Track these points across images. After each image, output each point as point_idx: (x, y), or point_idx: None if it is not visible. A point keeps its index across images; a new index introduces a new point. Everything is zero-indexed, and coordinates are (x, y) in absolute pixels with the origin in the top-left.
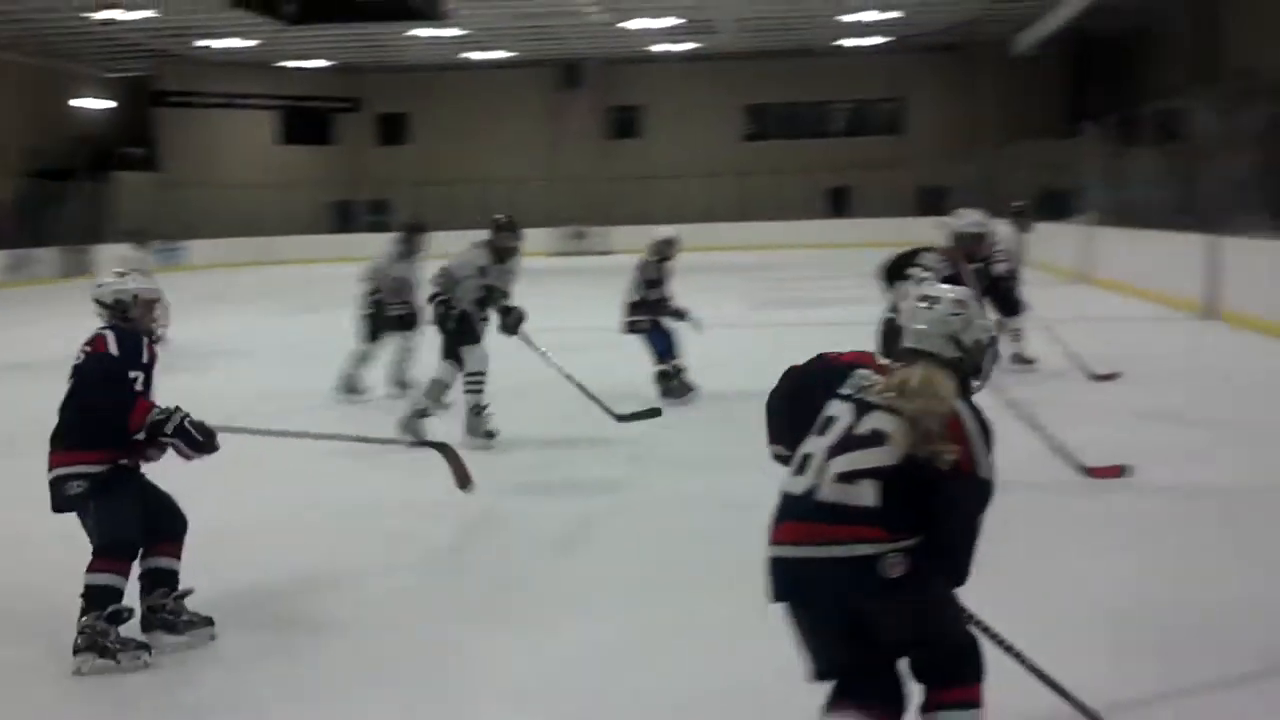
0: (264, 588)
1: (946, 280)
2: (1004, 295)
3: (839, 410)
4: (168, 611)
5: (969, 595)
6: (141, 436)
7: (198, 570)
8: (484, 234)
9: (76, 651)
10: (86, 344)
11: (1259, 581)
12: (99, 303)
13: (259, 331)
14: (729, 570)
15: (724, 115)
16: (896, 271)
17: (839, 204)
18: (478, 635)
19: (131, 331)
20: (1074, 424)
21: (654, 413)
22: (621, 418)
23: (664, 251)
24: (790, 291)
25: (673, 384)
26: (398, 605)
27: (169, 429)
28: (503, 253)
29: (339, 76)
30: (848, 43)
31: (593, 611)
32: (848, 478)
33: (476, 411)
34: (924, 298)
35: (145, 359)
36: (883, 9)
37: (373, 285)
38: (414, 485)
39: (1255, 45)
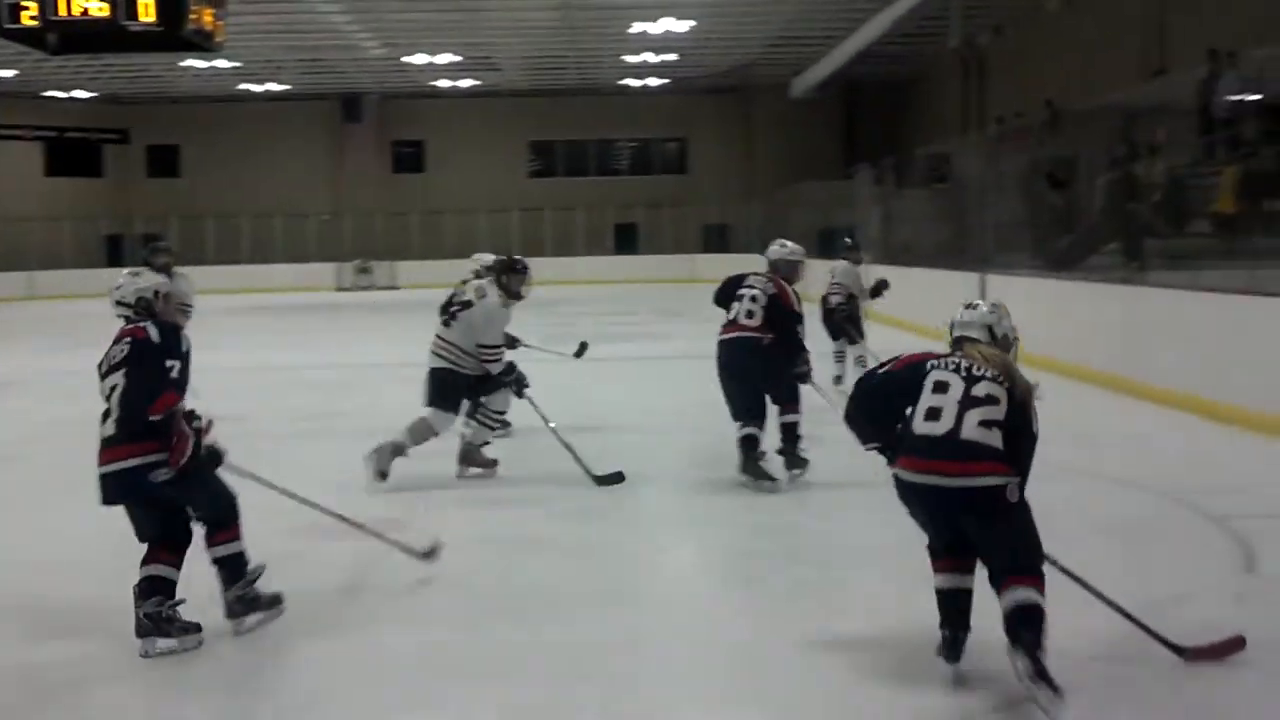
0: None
1: (770, 300)
2: (836, 323)
3: (949, 378)
4: (163, 619)
5: None
6: (157, 420)
7: None
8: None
9: (234, 615)
10: (125, 337)
11: None
12: (121, 304)
13: (29, 367)
14: (493, 605)
15: (508, 151)
16: (728, 293)
17: (626, 241)
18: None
19: (171, 325)
20: None
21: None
22: (599, 480)
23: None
24: (578, 327)
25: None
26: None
27: (191, 425)
28: (513, 297)
29: (107, 107)
30: (632, 83)
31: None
32: (986, 425)
33: (481, 445)
34: (968, 305)
35: (184, 348)
36: (660, 51)
37: None
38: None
39: (1017, 94)
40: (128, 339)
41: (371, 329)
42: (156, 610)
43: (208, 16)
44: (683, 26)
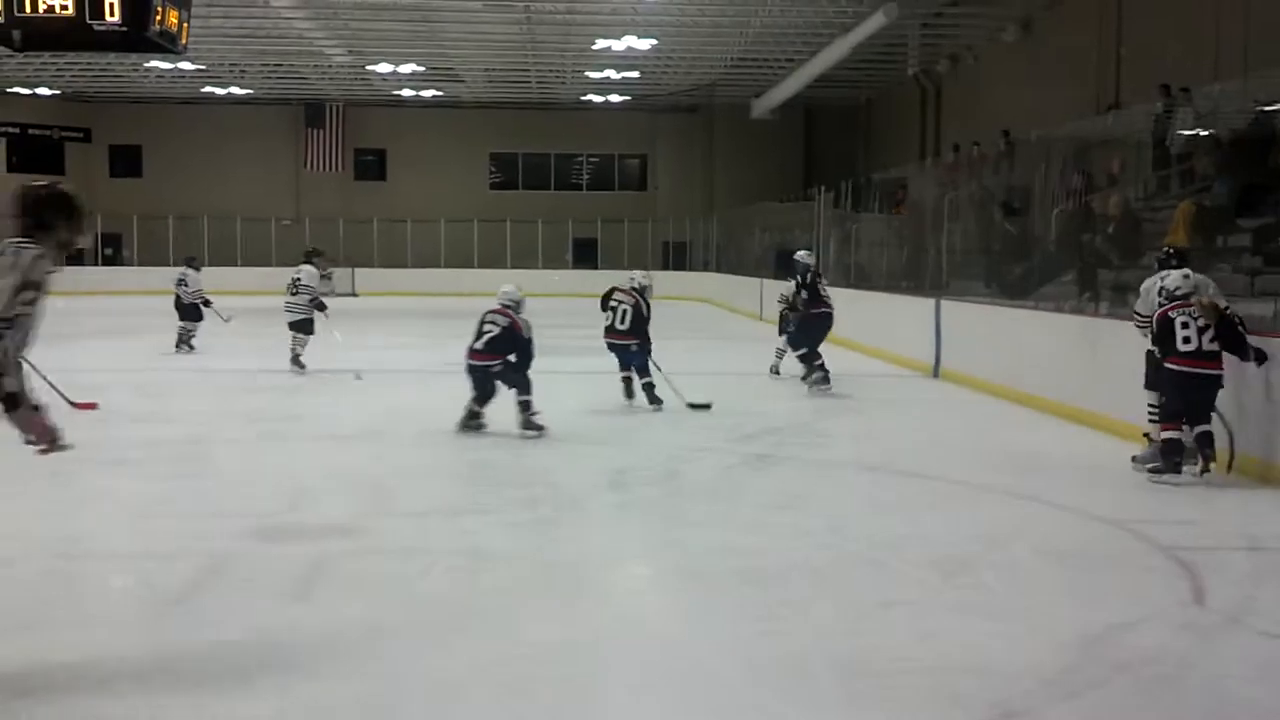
0: None
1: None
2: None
3: (1187, 319)
4: None
5: None
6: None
7: None
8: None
9: None
10: (502, 317)
11: None
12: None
13: None
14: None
15: (470, 163)
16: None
17: (586, 255)
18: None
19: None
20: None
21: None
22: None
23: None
24: (539, 339)
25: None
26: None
27: None
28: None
29: (69, 105)
30: (595, 99)
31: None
32: (1211, 341)
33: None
34: (1185, 275)
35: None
36: (622, 69)
37: None
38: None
39: (973, 123)
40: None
41: (326, 335)
42: None
43: (173, 18)
44: (645, 44)
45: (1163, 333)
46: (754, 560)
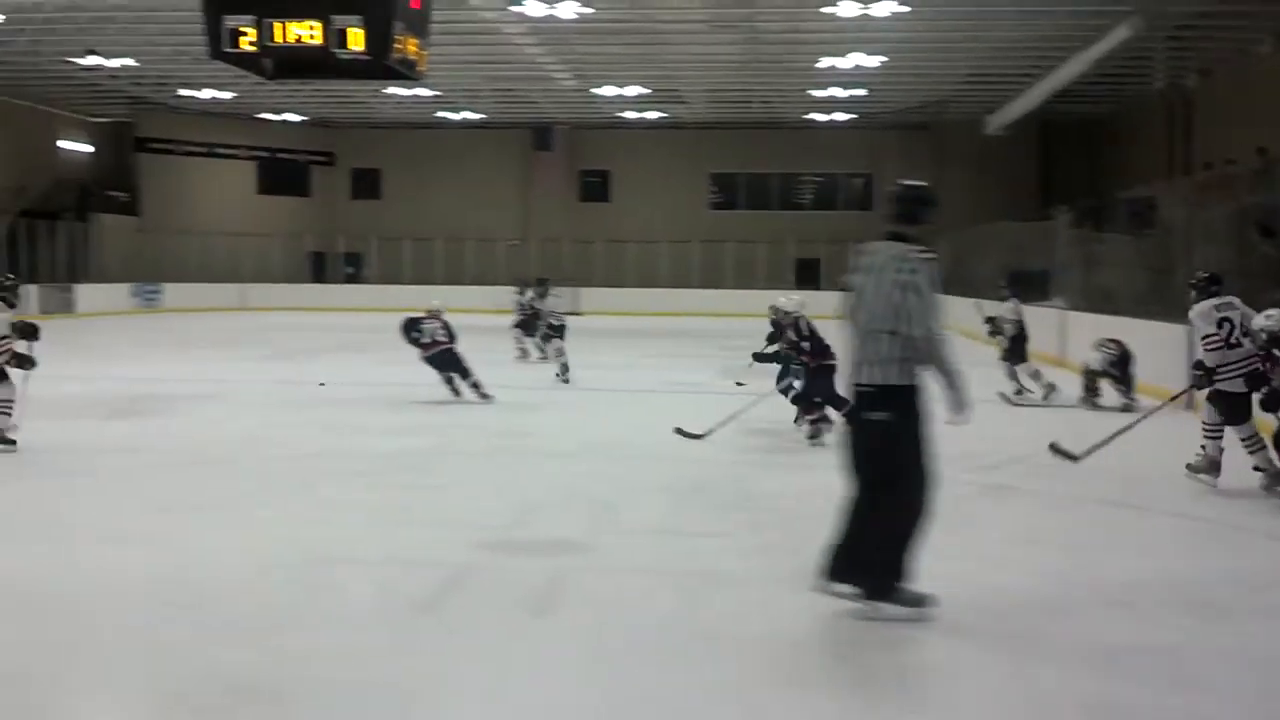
0: (212, 637)
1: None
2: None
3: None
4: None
5: None
6: None
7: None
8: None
9: None
10: None
11: None
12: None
13: (234, 376)
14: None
15: (691, 183)
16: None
17: (808, 276)
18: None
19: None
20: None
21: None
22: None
23: None
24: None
25: None
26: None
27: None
28: None
29: (315, 130)
30: (818, 117)
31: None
32: None
33: None
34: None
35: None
36: (849, 86)
37: None
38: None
39: (1225, 140)
40: None
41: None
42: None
43: (412, 46)
44: (873, 62)
45: None
46: (992, 595)
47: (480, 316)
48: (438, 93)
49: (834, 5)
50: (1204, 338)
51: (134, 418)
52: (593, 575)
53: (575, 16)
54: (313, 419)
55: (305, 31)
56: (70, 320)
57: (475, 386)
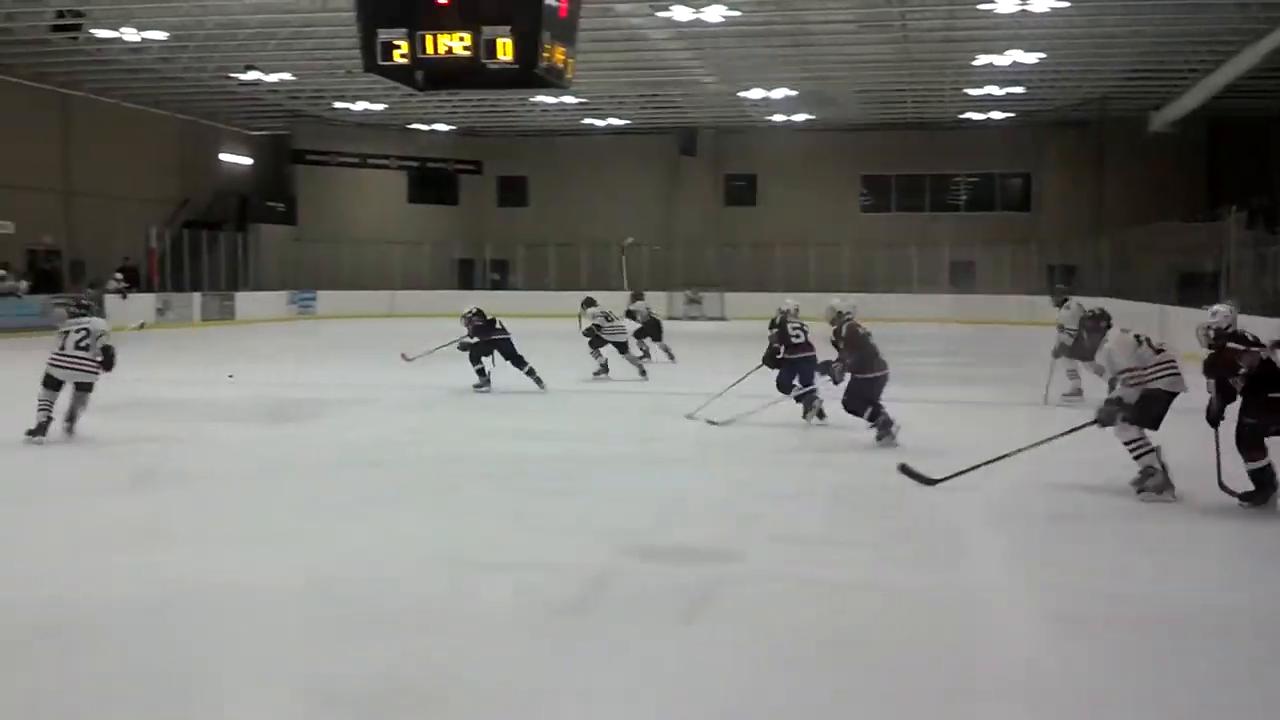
0: (369, 635)
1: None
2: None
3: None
4: None
5: None
6: None
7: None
8: None
9: None
10: None
11: None
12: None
13: (382, 380)
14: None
15: (841, 186)
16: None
17: (962, 279)
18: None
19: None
20: None
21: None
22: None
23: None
24: (909, 366)
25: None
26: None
27: None
28: None
29: (463, 139)
30: (974, 116)
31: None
32: None
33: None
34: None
35: None
36: (1005, 84)
37: None
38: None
39: None
40: None
41: (697, 359)
42: None
43: (559, 55)
44: (1031, 59)
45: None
46: (1138, 608)
47: (627, 322)
48: (584, 100)
49: (991, 2)
50: (1123, 371)
51: (287, 421)
52: (740, 583)
53: (722, 20)
54: (458, 423)
55: (455, 43)
56: (230, 327)
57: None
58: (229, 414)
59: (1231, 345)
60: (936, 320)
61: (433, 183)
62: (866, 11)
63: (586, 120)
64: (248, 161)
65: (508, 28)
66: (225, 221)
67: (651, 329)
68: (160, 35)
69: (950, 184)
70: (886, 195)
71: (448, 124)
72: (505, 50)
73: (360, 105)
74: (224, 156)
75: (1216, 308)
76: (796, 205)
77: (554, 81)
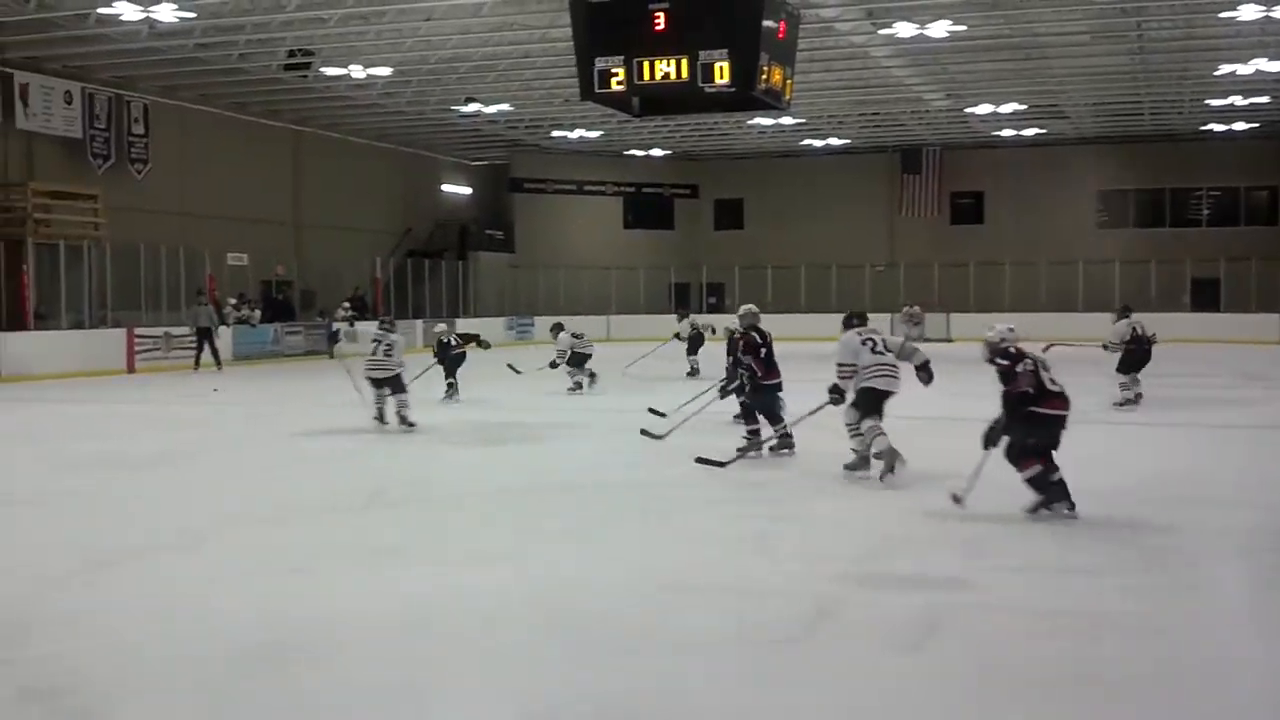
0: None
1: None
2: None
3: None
4: None
5: None
6: None
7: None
8: None
9: None
10: None
11: None
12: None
13: (598, 405)
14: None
15: (1073, 202)
16: None
17: (1206, 297)
18: None
19: None
20: None
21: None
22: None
23: None
24: (1153, 389)
25: None
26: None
27: None
28: None
29: (678, 164)
30: (1216, 128)
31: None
32: None
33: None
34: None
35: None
36: (1249, 94)
37: None
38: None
39: None
40: None
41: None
42: None
43: (777, 76)
44: (1276, 67)
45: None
46: None
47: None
48: (801, 120)
49: (1234, 9)
50: (840, 364)
51: (503, 445)
52: (967, 612)
53: (946, 35)
54: (673, 446)
55: (672, 68)
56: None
57: None
58: (453, 437)
59: (1000, 361)
60: (1179, 340)
61: (648, 208)
62: (1101, 22)
63: (805, 141)
64: (467, 191)
65: (725, 51)
66: (446, 250)
67: (695, 343)
68: (385, 71)
69: (1191, 198)
70: (1124, 211)
71: (663, 149)
72: (722, 73)
73: (577, 133)
74: (445, 187)
75: (996, 325)
76: (1026, 222)
77: (772, 103)
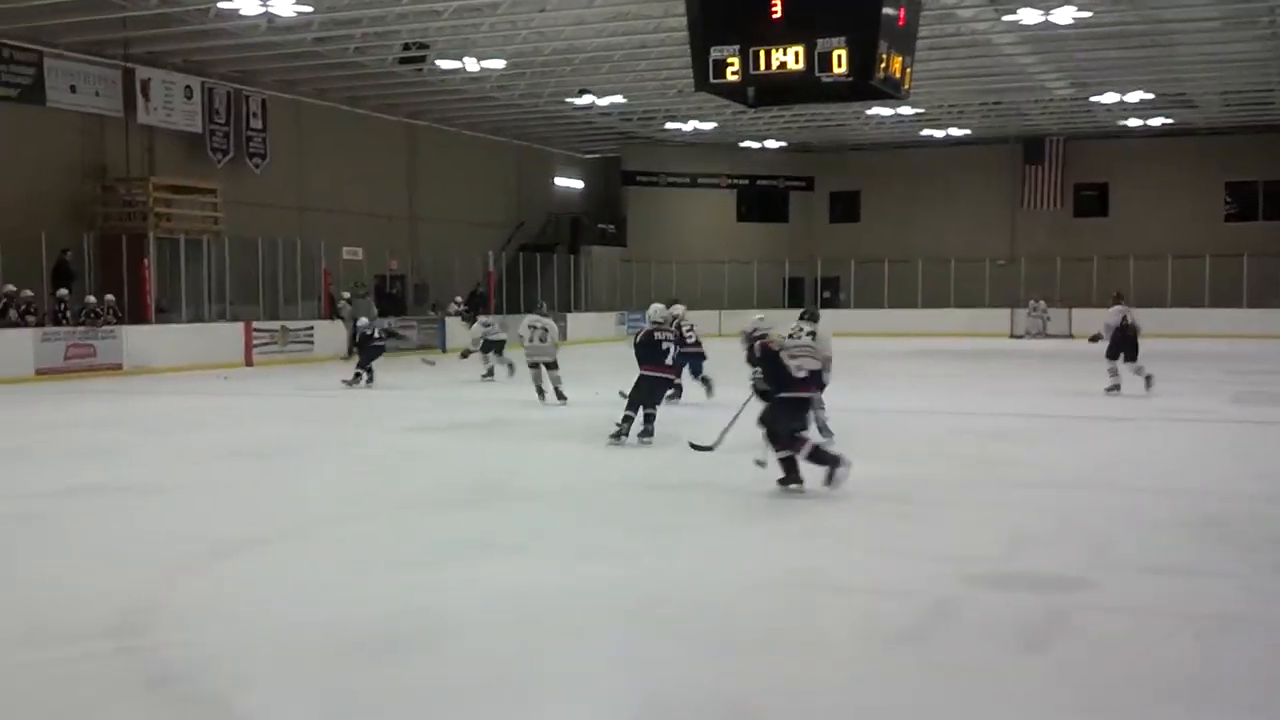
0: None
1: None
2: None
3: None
4: None
5: None
6: None
7: None
8: None
9: None
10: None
11: None
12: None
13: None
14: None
15: (1201, 194)
16: None
17: None
18: None
19: None
20: None
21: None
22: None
23: None
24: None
25: None
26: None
27: None
28: None
29: (793, 156)
30: None
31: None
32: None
33: None
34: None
35: None
36: None
37: None
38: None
39: None
40: None
41: (1041, 378)
42: None
43: (896, 65)
44: None
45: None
46: None
47: (965, 340)
48: (920, 110)
49: None
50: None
51: (600, 442)
52: (1091, 613)
53: (1072, 21)
54: None
55: (788, 57)
56: (562, 348)
57: None
58: (562, 432)
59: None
60: None
61: (762, 200)
62: (1231, 7)
63: (924, 131)
64: (579, 184)
65: (842, 39)
66: (558, 244)
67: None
68: (499, 64)
69: None
70: (1253, 203)
71: (778, 140)
72: (840, 62)
73: (690, 125)
74: (557, 180)
75: (753, 317)
76: (1152, 215)
77: (891, 92)
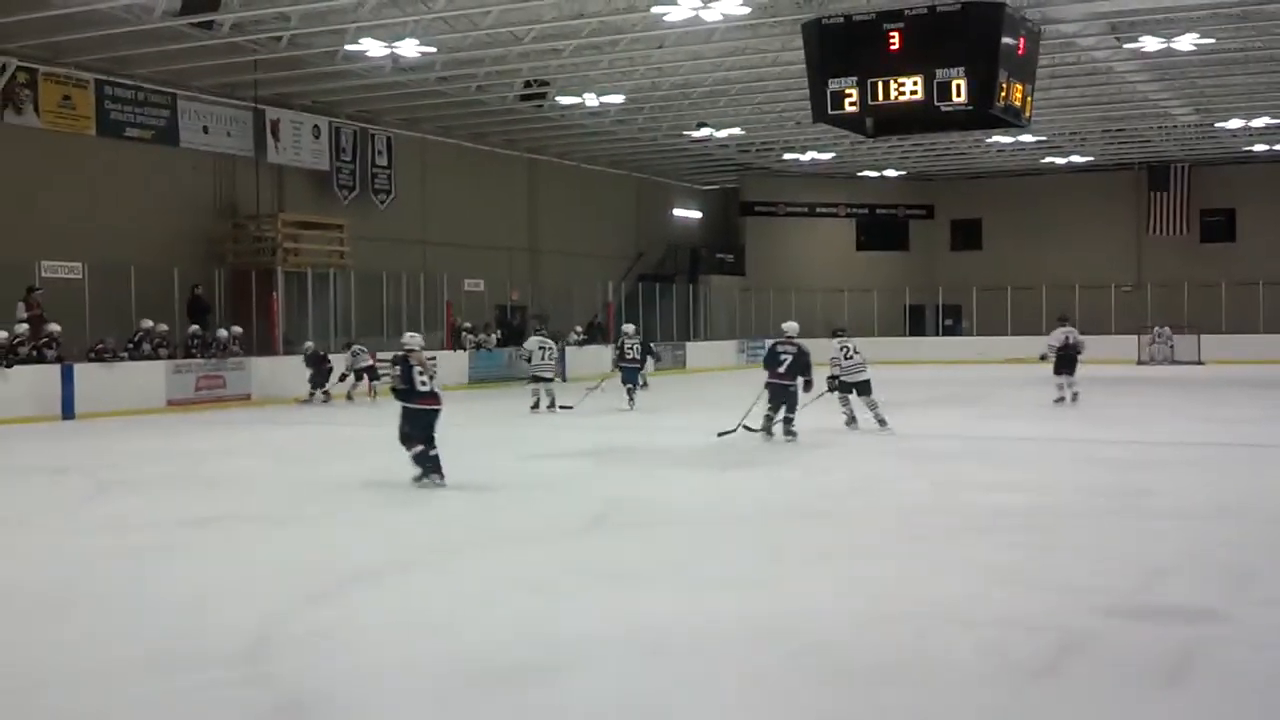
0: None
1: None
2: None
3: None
4: None
5: None
6: None
7: None
8: None
9: None
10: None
11: None
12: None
13: (834, 425)
14: None
15: None
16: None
17: None
18: None
19: None
20: None
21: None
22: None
23: None
24: None
25: None
26: None
27: None
28: None
29: (913, 184)
30: None
31: None
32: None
33: None
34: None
35: None
36: None
37: None
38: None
39: None
40: None
41: (1170, 405)
42: None
43: (1017, 93)
44: None
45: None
46: None
47: (1092, 368)
48: (1042, 137)
49: None
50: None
51: (732, 469)
52: (1231, 647)
53: (1194, 48)
54: (920, 472)
55: (907, 87)
56: (681, 376)
57: None
58: (681, 460)
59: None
60: None
61: (882, 229)
62: None
63: (1046, 158)
64: (698, 215)
65: (962, 69)
66: (677, 274)
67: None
68: (617, 99)
69: None
70: None
71: (897, 169)
72: (960, 92)
73: (809, 155)
74: (676, 211)
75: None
76: None
77: (1011, 121)
